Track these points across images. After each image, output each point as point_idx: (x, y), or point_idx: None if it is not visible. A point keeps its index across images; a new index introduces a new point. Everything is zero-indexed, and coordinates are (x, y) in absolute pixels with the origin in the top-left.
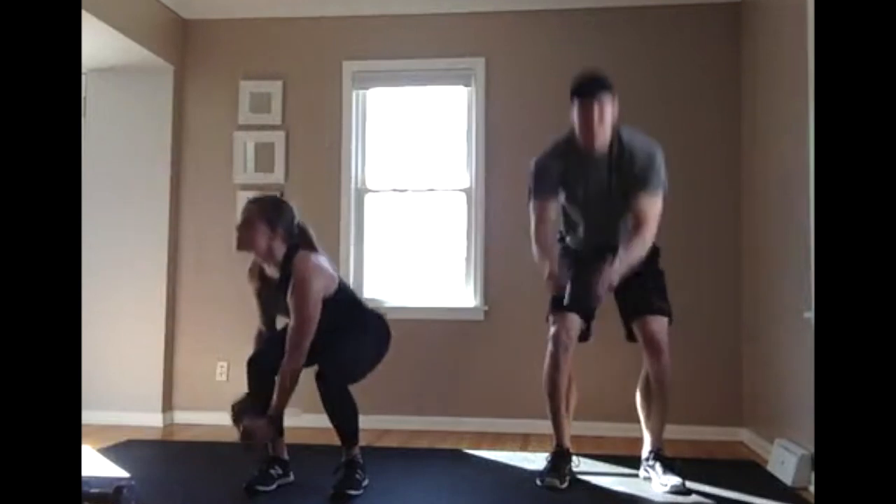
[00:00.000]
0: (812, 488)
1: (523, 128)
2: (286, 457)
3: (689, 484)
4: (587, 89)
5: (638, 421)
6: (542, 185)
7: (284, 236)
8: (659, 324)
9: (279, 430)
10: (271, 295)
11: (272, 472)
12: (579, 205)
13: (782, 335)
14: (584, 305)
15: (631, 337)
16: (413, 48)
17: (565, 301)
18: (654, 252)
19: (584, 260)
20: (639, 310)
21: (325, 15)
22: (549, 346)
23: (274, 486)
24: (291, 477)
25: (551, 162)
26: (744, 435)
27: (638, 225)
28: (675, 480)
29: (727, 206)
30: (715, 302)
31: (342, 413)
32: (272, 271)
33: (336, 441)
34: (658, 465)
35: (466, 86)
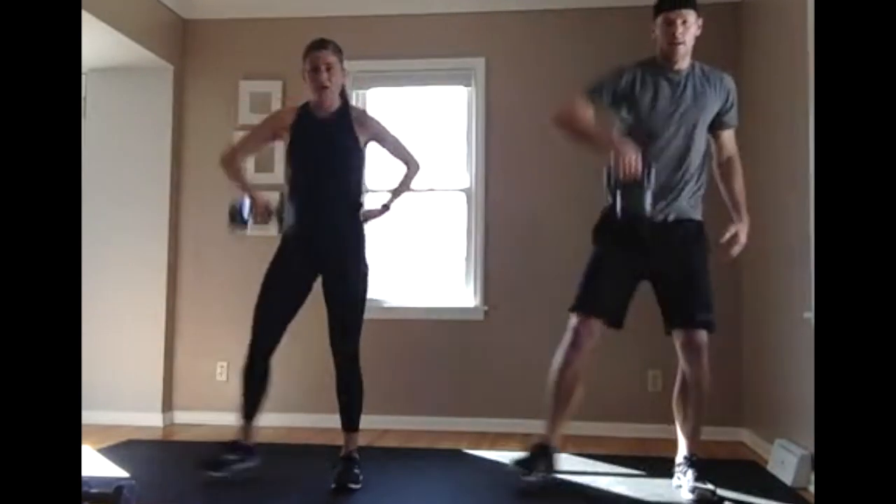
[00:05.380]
0: (812, 488)
1: (523, 128)
2: (250, 441)
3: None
4: (671, 2)
5: (637, 421)
6: (600, 86)
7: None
8: (701, 335)
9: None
10: (316, 136)
11: (229, 456)
12: (646, 121)
13: (782, 335)
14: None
15: (667, 330)
16: (413, 48)
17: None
18: (703, 244)
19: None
20: (681, 322)
21: (325, 15)
22: (567, 339)
23: (228, 472)
24: (255, 461)
25: (625, 73)
26: (744, 435)
27: (733, 158)
28: (705, 488)
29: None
30: (715, 302)
31: (354, 389)
32: (325, 114)
33: (332, 441)
34: (690, 472)
35: (466, 86)
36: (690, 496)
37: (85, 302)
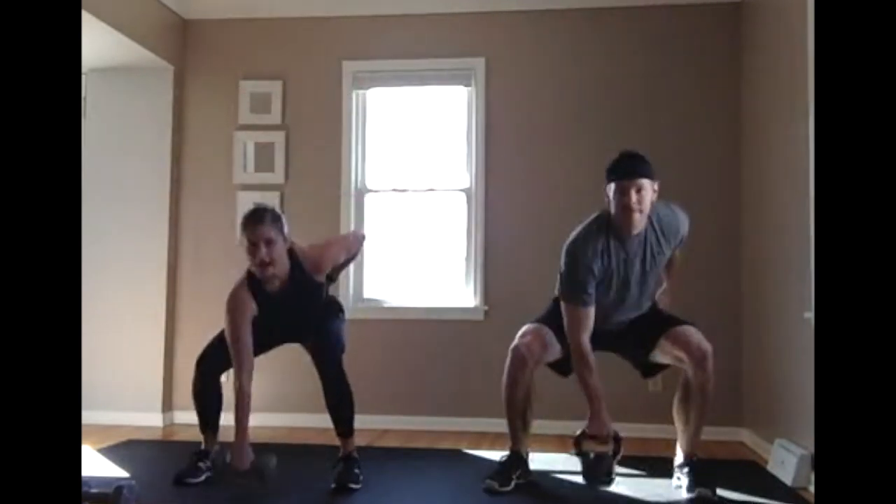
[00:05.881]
0: (812, 488)
1: (523, 128)
2: (216, 449)
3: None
4: (624, 173)
5: (637, 421)
6: (583, 289)
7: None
8: (693, 331)
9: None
10: (276, 307)
11: (201, 464)
12: (604, 292)
13: (782, 335)
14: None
15: (648, 372)
16: (413, 48)
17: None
18: (653, 304)
19: None
20: (659, 331)
21: (325, 15)
22: (508, 359)
23: (203, 478)
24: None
25: (592, 256)
26: (744, 435)
27: (674, 258)
28: (705, 488)
29: (727, 206)
30: (715, 302)
31: (342, 394)
32: (277, 284)
33: (332, 441)
34: (690, 473)
35: (466, 86)
36: (691, 496)
37: (85, 302)
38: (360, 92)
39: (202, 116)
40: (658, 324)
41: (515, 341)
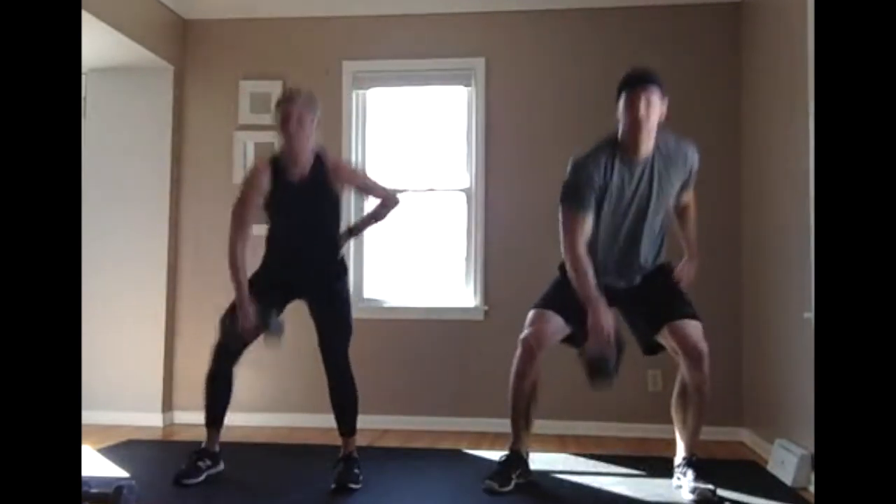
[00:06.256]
0: (812, 488)
1: (523, 128)
2: (216, 448)
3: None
4: (635, 80)
5: (637, 421)
6: (581, 194)
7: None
8: (693, 328)
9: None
10: (292, 197)
11: (200, 464)
12: (608, 221)
13: (782, 335)
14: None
15: (650, 350)
16: (413, 48)
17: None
18: (667, 269)
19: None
20: (664, 318)
21: (325, 15)
22: (517, 350)
23: (202, 478)
24: (221, 466)
25: (593, 168)
26: (744, 435)
27: (688, 207)
28: (705, 487)
29: (727, 206)
30: (715, 302)
31: (347, 393)
32: (298, 169)
33: (332, 441)
34: (690, 472)
35: (466, 86)
36: (691, 496)
37: (85, 302)
38: (360, 92)
39: (202, 116)
40: (669, 306)
41: (524, 332)
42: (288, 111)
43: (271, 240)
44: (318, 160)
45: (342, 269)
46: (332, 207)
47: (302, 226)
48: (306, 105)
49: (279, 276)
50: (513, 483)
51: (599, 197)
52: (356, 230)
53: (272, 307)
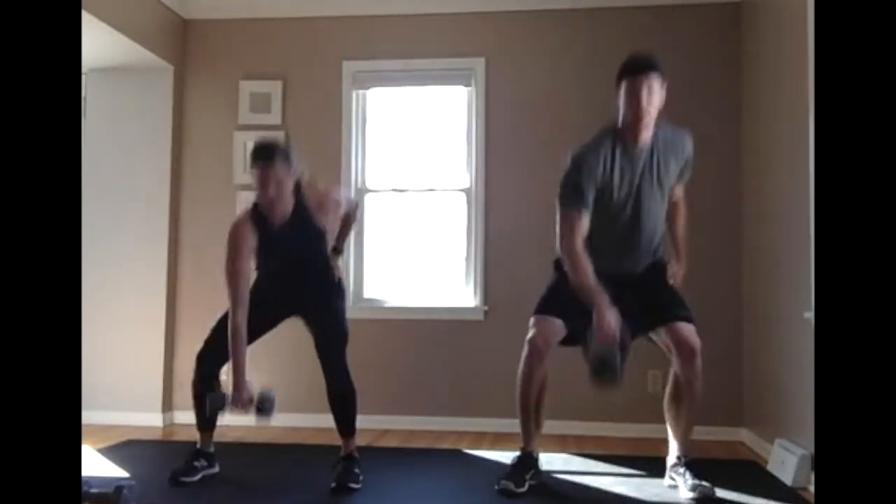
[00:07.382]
0: (812, 488)
1: (523, 128)
2: (211, 449)
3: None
4: (636, 67)
5: (637, 421)
6: (581, 191)
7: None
8: (688, 329)
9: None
10: (277, 241)
11: (196, 464)
12: (609, 212)
13: (782, 335)
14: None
15: (633, 337)
16: (413, 48)
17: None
18: (662, 266)
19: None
20: (660, 320)
21: (325, 15)
22: (525, 351)
23: (199, 477)
24: (216, 468)
25: (594, 161)
26: (744, 435)
27: (678, 204)
28: (706, 486)
29: (727, 206)
30: (715, 302)
31: (346, 393)
32: (279, 217)
33: (332, 441)
34: (686, 472)
35: (466, 86)
36: (691, 494)
37: (85, 302)
38: (361, 92)
39: (202, 116)
40: (666, 307)
41: (530, 332)
42: (266, 176)
43: (261, 282)
44: (299, 195)
45: (339, 290)
46: (320, 239)
47: (295, 263)
48: (283, 165)
49: (274, 313)
50: (527, 484)
51: (600, 189)
52: (339, 248)
53: (268, 392)
